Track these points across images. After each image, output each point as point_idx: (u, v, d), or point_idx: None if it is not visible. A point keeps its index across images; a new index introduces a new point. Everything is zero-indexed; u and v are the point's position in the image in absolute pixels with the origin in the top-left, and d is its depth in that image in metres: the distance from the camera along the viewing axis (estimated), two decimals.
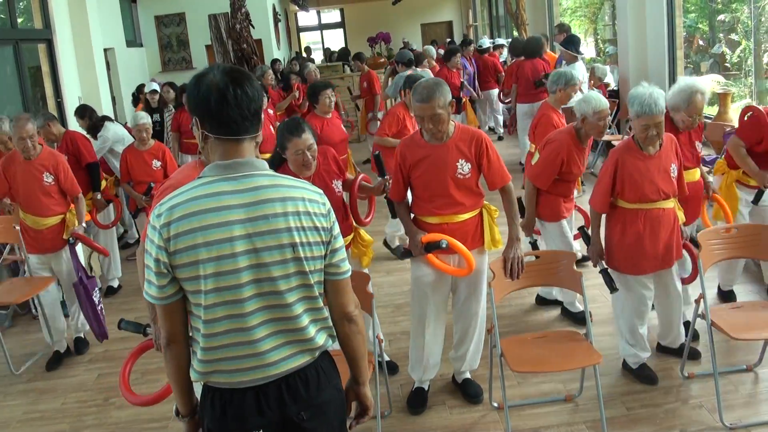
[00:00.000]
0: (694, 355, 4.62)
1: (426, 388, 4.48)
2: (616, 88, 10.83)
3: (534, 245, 5.16)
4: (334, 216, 2.35)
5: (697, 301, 4.23)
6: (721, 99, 7.03)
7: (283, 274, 2.21)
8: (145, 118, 6.86)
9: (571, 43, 9.25)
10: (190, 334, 2.30)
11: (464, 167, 4.00)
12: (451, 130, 4.02)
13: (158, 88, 10.33)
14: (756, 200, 5.14)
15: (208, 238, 2.13)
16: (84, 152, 6.70)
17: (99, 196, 6.85)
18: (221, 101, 2.16)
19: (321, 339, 2.34)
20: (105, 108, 9.48)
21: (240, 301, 2.18)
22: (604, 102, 4.89)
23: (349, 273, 2.41)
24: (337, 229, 2.35)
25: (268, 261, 2.18)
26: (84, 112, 8.05)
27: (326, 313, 2.37)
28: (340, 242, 2.36)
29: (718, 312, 4.21)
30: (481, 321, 4.35)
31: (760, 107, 5.21)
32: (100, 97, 9.58)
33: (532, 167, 5.22)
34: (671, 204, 4.32)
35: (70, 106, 8.65)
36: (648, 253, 4.28)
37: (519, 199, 4.75)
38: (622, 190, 4.28)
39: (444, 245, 3.94)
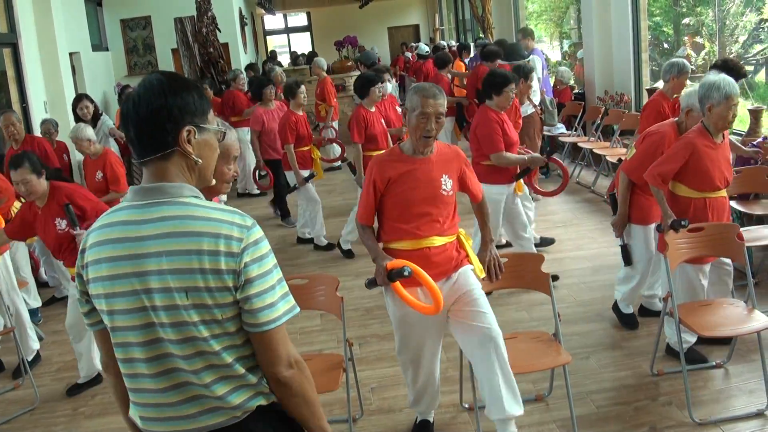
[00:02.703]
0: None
1: (431, 420, 4.17)
2: (581, 91, 10.94)
3: (624, 248, 5.05)
4: (254, 255, 1.94)
5: (665, 299, 4.29)
6: (753, 115, 6.96)
7: (174, 321, 1.91)
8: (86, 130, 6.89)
9: (514, 54, 9.03)
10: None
11: (447, 183, 3.68)
12: (434, 145, 3.74)
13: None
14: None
15: (110, 272, 1.92)
16: (50, 157, 6.64)
17: None
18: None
19: (237, 399, 2.00)
20: (71, 113, 9.39)
21: (140, 344, 1.94)
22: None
23: (272, 326, 1.96)
24: (255, 272, 1.93)
25: (159, 305, 1.90)
26: (91, 98, 8.34)
27: (242, 369, 2.00)
28: (258, 287, 1.94)
29: (686, 309, 4.26)
30: (501, 346, 3.61)
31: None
32: (65, 101, 9.48)
33: (628, 161, 4.95)
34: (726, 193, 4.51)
35: (36, 110, 8.57)
36: None
37: (612, 195, 5.08)
38: (690, 178, 4.38)
39: (407, 273, 3.38)
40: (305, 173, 7.48)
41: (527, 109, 7.84)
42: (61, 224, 4.65)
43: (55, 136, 7.52)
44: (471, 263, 3.80)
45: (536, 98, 8.61)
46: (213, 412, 1.99)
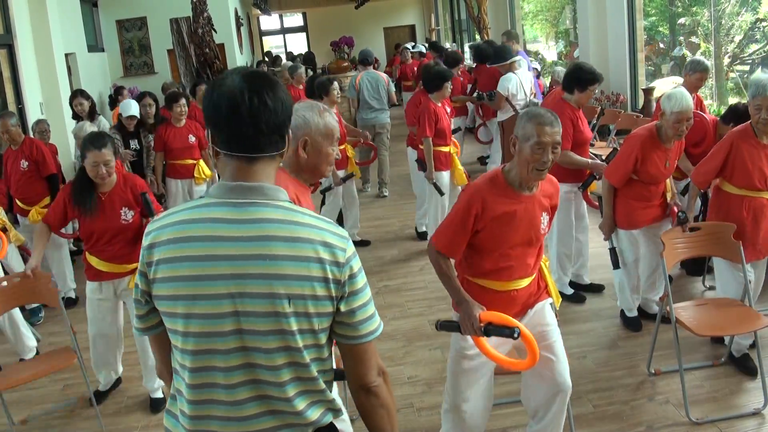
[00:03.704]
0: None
1: None
2: None
3: (613, 251, 5.00)
4: (354, 267, 1.92)
5: (662, 299, 4.30)
6: None
7: (269, 329, 1.83)
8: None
9: (500, 56, 8.98)
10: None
11: (545, 221, 3.33)
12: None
13: (137, 113, 7.58)
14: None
15: (193, 272, 1.82)
16: (48, 161, 6.62)
17: None
18: (232, 111, 1.82)
19: (314, 414, 1.96)
20: (67, 114, 9.38)
21: (221, 352, 1.85)
22: (687, 102, 4.47)
23: (372, 337, 1.96)
24: (359, 284, 1.93)
25: (253, 311, 1.82)
26: (87, 94, 8.27)
27: (323, 384, 1.96)
28: (361, 299, 1.93)
29: (682, 309, 4.27)
30: (567, 400, 3.44)
31: (705, 114, 5.66)
32: (61, 102, 9.47)
33: (610, 164, 5.00)
34: None
35: (32, 112, 8.55)
36: (747, 241, 4.38)
37: (601, 198, 5.06)
38: (731, 175, 4.41)
39: (516, 336, 2.96)
40: (341, 173, 7.29)
41: (506, 113, 7.94)
42: (127, 215, 4.44)
43: (48, 136, 7.46)
44: (550, 296, 3.52)
45: (520, 98, 8.53)
46: (287, 428, 1.94)
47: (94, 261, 4.51)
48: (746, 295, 4.33)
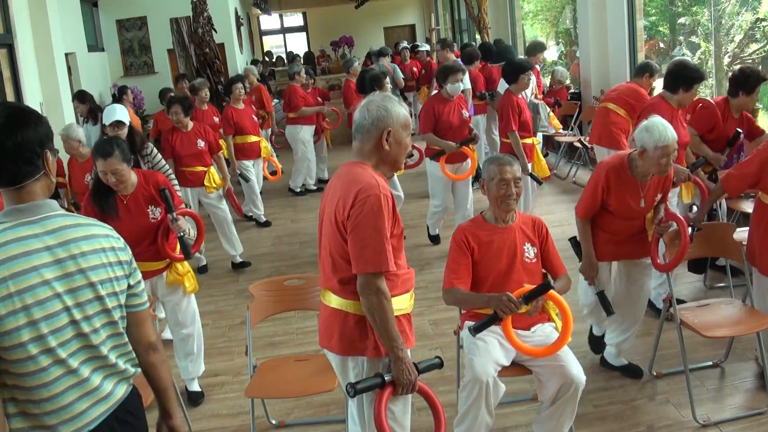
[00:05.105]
0: (636, 373, 4.54)
1: None
2: (577, 91, 10.94)
3: (601, 295, 4.24)
4: (129, 249, 2.38)
5: (666, 301, 4.29)
6: None
7: (96, 311, 2.20)
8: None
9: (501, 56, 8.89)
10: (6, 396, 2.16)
11: (530, 251, 3.69)
12: (515, 214, 3.75)
13: (126, 119, 5.81)
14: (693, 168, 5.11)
15: (20, 286, 2.05)
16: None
17: None
18: None
19: (131, 369, 2.36)
20: (67, 114, 9.37)
21: (64, 344, 2.13)
22: (671, 135, 3.96)
23: (148, 304, 2.45)
24: (135, 262, 2.40)
25: (82, 300, 2.16)
26: (84, 97, 8.19)
27: (129, 345, 2.37)
28: (139, 274, 2.42)
29: (686, 311, 4.27)
30: (579, 395, 3.53)
31: (710, 99, 5.55)
32: (61, 102, 9.45)
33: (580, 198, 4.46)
34: None
35: None
36: None
37: (574, 239, 4.45)
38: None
39: (551, 285, 3.36)
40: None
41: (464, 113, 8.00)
42: (155, 212, 4.36)
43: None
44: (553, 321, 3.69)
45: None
46: (122, 383, 2.35)
47: None
48: (748, 296, 4.34)
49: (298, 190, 10.60)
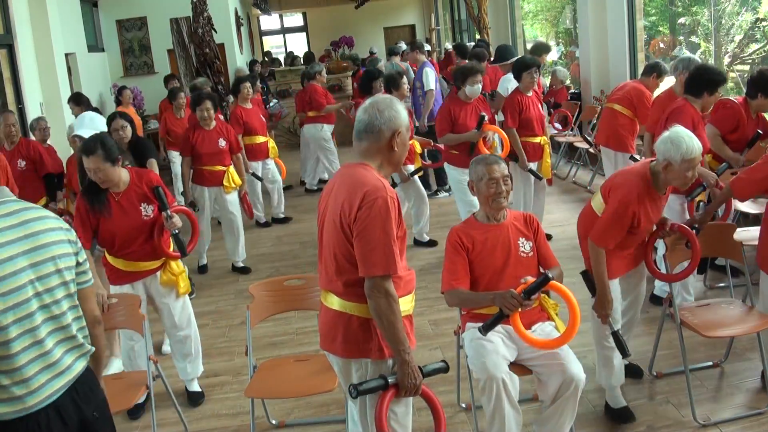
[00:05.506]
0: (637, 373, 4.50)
1: None
2: (577, 91, 10.94)
3: (615, 335, 3.85)
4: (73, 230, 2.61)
5: (665, 301, 4.29)
6: None
7: (57, 284, 2.45)
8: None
9: (501, 56, 8.87)
10: None
11: (526, 246, 3.71)
12: (506, 211, 3.78)
13: (100, 128, 5.38)
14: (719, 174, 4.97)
15: None
16: (45, 161, 6.61)
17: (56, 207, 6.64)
18: None
19: (87, 345, 2.61)
20: (67, 114, 9.37)
21: (30, 315, 2.36)
22: (698, 146, 3.73)
23: (93, 280, 2.71)
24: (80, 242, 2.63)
25: (44, 274, 2.41)
26: (79, 99, 8.12)
27: (84, 320, 2.62)
28: (84, 253, 2.64)
29: (686, 311, 4.27)
30: (579, 394, 3.53)
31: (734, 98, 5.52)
32: (61, 103, 9.45)
33: (596, 224, 3.95)
34: None
35: (32, 112, 8.55)
36: None
37: (585, 273, 4.04)
38: None
39: (550, 277, 3.24)
40: (410, 168, 7.18)
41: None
42: (147, 210, 4.35)
43: (48, 133, 7.33)
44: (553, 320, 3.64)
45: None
46: (81, 359, 2.58)
47: (121, 264, 4.44)
48: (748, 296, 4.33)
49: (315, 188, 10.87)
